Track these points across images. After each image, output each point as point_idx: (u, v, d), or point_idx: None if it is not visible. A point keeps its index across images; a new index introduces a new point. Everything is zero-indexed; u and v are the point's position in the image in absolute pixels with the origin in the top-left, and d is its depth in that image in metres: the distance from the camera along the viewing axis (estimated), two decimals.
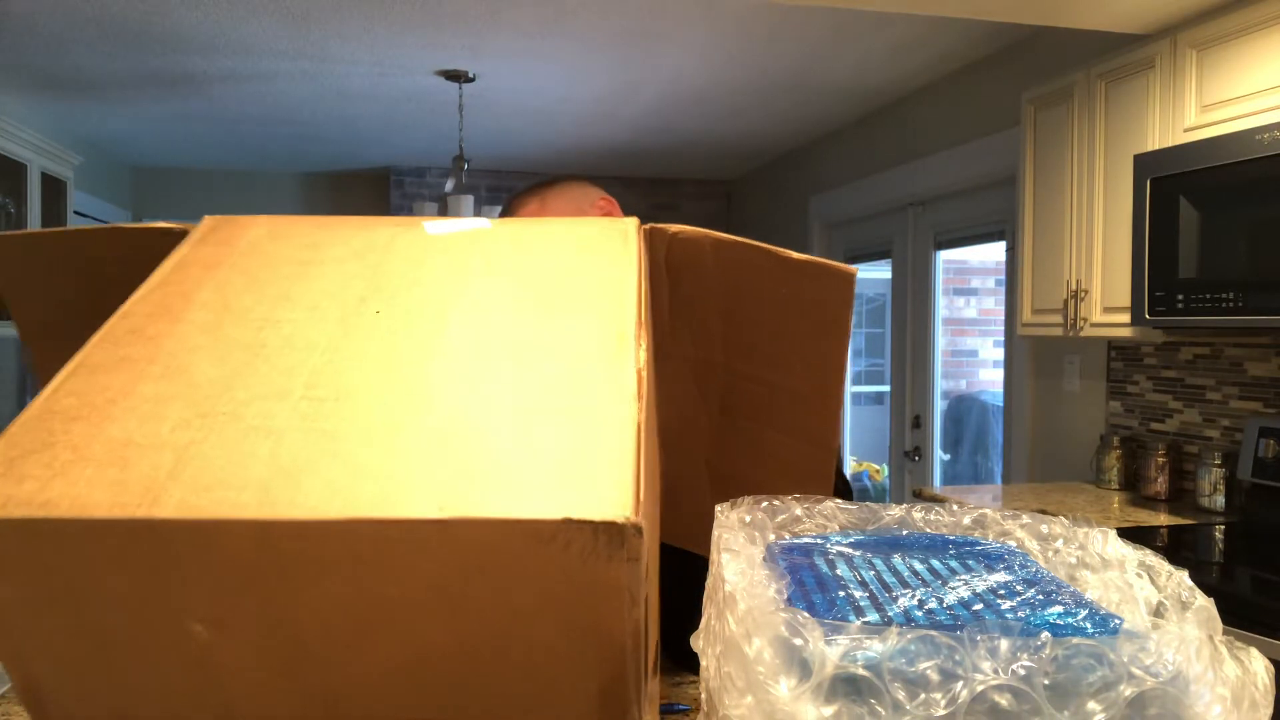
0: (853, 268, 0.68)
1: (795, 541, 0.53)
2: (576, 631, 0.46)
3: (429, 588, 0.45)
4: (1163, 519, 2.56)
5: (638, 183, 6.32)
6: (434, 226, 0.68)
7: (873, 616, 0.41)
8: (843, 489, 1.26)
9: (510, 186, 6.11)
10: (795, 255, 0.67)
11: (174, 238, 0.67)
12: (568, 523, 0.43)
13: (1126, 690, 0.37)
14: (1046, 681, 0.37)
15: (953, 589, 0.45)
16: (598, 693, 0.48)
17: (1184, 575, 0.46)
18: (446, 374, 0.53)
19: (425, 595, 0.45)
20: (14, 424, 0.49)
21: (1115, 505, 2.73)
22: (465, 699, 0.49)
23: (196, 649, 0.47)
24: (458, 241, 0.66)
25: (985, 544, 0.53)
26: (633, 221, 0.67)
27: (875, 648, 0.38)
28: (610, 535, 0.43)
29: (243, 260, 0.63)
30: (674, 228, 0.67)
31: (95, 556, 0.45)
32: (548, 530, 0.43)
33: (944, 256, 4.26)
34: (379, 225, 0.68)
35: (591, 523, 0.43)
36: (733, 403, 0.76)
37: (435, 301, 0.59)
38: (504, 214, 1.41)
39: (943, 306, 4.28)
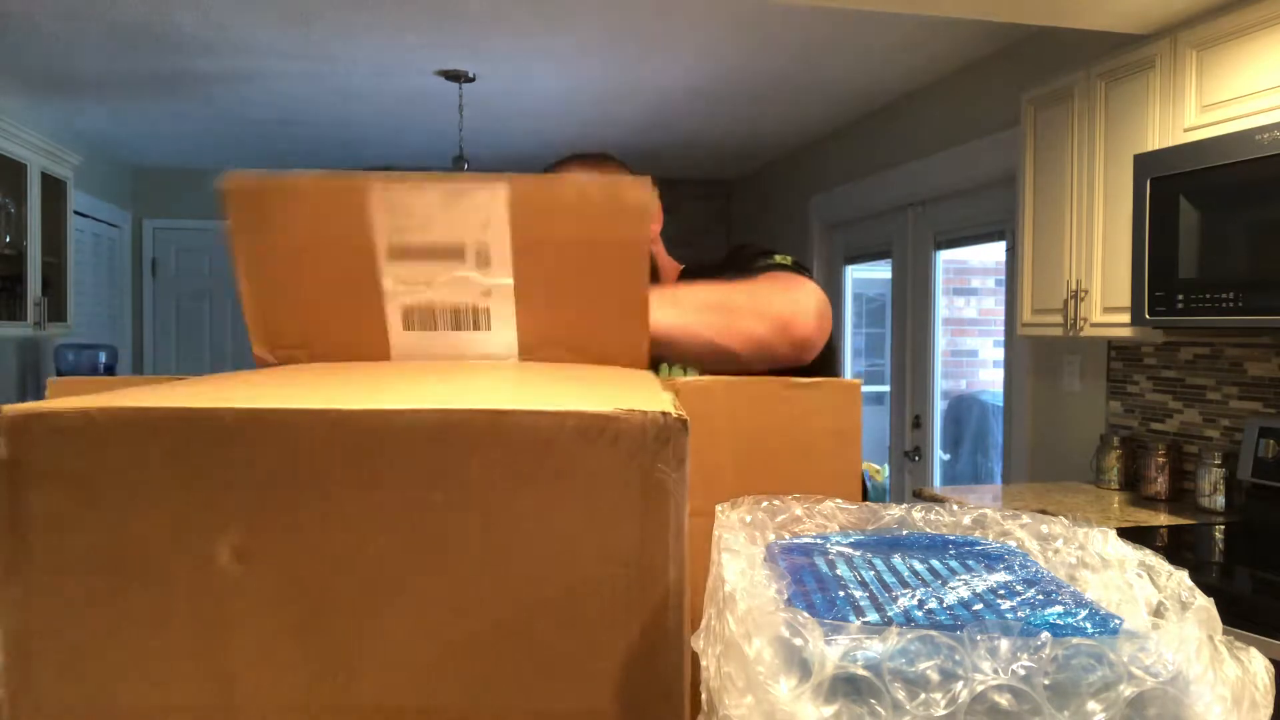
0: (855, 379, 0.78)
1: (795, 541, 0.53)
2: (617, 564, 0.47)
3: (472, 497, 0.47)
4: (1163, 519, 2.56)
5: None
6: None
7: (873, 616, 0.41)
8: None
9: None
10: (803, 380, 0.75)
11: None
12: (615, 415, 0.46)
13: (1126, 690, 0.37)
14: (1046, 681, 0.37)
15: (953, 589, 0.45)
16: (643, 646, 0.47)
17: (1184, 575, 0.46)
18: (501, 379, 0.65)
19: (467, 511, 0.47)
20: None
21: (1115, 505, 2.73)
22: (495, 669, 0.48)
23: (215, 589, 0.47)
24: (487, 363, 0.78)
25: (985, 544, 0.53)
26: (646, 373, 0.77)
27: (875, 648, 0.38)
28: (658, 430, 0.46)
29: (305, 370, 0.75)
30: (680, 380, 0.72)
31: (145, 450, 0.46)
32: (598, 424, 0.46)
33: (944, 256, 4.26)
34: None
35: (641, 412, 0.46)
36: None
37: (483, 370, 0.70)
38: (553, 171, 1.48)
39: (943, 306, 4.29)
